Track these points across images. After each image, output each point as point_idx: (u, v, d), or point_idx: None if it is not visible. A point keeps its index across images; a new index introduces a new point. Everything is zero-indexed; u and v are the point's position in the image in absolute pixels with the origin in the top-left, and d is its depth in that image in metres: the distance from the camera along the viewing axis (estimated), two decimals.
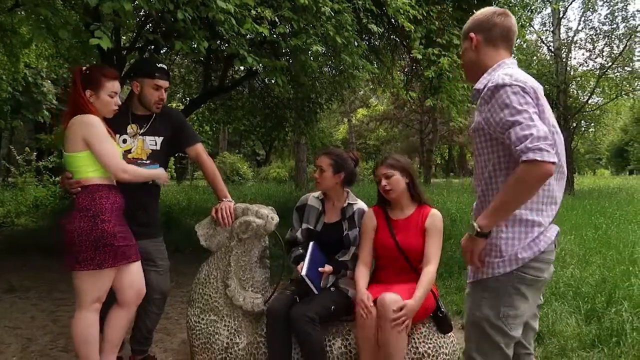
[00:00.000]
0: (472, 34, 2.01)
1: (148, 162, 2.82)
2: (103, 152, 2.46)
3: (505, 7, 6.78)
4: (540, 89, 1.87)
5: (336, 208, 3.02)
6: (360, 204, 3.03)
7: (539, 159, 1.64)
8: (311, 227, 2.99)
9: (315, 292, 2.67)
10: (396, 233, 2.76)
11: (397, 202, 2.82)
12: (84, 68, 2.58)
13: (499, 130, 1.78)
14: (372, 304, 2.51)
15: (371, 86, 10.02)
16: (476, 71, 2.01)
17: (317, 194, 3.10)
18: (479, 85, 1.92)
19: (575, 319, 3.69)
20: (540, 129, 1.68)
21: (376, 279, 2.84)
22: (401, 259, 2.74)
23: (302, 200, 3.12)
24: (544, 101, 1.85)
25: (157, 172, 2.77)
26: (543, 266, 1.85)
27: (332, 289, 2.83)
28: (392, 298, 2.46)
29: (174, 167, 22.53)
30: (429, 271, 2.64)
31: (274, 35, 4.25)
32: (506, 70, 1.88)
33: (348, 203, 3.00)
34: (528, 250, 1.81)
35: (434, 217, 2.76)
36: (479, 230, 1.81)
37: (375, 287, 2.68)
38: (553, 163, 1.65)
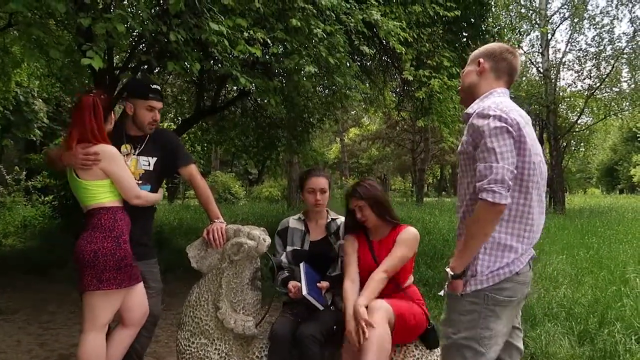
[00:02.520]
0: (481, 59, 2.11)
1: (140, 182, 2.81)
2: (121, 180, 2.56)
3: (494, 30, 6.90)
4: (524, 118, 1.95)
5: (319, 226, 3.07)
6: (342, 219, 3.07)
7: (490, 200, 1.78)
8: (298, 248, 3.01)
9: (320, 308, 2.68)
10: (376, 254, 2.75)
11: (374, 227, 2.82)
12: (94, 95, 2.58)
13: (475, 160, 1.90)
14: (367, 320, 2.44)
15: (363, 106, 10.10)
16: (472, 95, 2.11)
17: (296, 216, 3.14)
18: (470, 110, 2.00)
19: (569, 340, 3.67)
20: (499, 172, 1.79)
21: None
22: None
23: (283, 224, 3.13)
24: (527, 130, 1.92)
25: (159, 197, 2.88)
26: (517, 287, 1.93)
27: (332, 307, 2.84)
28: (379, 306, 2.45)
29: (165, 186, 22.41)
30: (375, 274, 2.61)
31: (267, 57, 4.29)
32: (495, 98, 1.98)
33: (331, 219, 3.07)
34: (501, 273, 1.90)
35: (406, 232, 2.75)
36: (452, 274, 1.95)
37: None
38: (504, 205, 1.80)
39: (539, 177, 1.94)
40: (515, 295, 1.93)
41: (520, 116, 1.92)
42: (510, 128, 1.84)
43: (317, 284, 2.79)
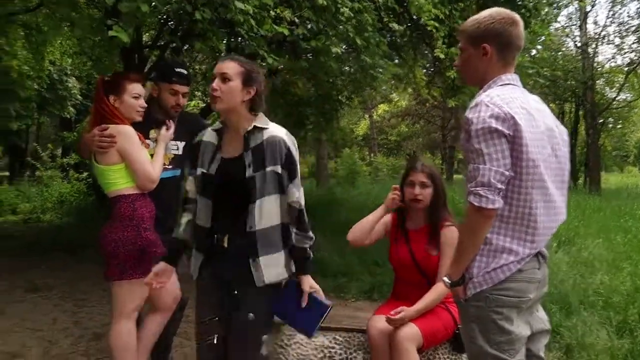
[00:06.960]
0: (485, 45, 1.85)
1: (170, 167, 2.79)
2: (136, 163, 2.46)
3: (531, 4, 6.54)
4: (529, 108, 1.78)
5: (238, 137, 2.17)
6: (275, 130, 2.17)
7: (475, 203, 1.67)
8: (204, 171, 2.19)
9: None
10: (413, 247, 2.63)
11: (418, 213, 2.67)
12: (105, 77, 2.55)
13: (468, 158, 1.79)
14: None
15: (393, 82, 9.87)
16: (477, 78, 1.93)
17: (215, 125, 2.28)
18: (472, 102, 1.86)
19: (607, 331, 3.52)
20: (485, 174, 1.67)
21: (395, 293, 2.76)
22: (416, 272, 2.61)
23: (198, 136, 2.31)
24: (532, 123, 1.75)
25: (164, 138, 2.67)
26: (524, 286, 1.79)
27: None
28: (407, 334, 2.38)
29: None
30: (438, 286, 2.49)
31: (294, 36, 4.19)
32: (495, 90, 1.81)
33: (254, 126, 2.13)
34: (500, 274, 1.77)
35: (452, 233, 2.52)
36: (449, 282, 1.83)
37: (393, 305, 2.57)
38: (492, 209, 1.67)
39: (544, 174, 1.76)
40: (524, 295, 1.79)
41: (521, 107, 1.75)
42: (500, 127, 1.68)
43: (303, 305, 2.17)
